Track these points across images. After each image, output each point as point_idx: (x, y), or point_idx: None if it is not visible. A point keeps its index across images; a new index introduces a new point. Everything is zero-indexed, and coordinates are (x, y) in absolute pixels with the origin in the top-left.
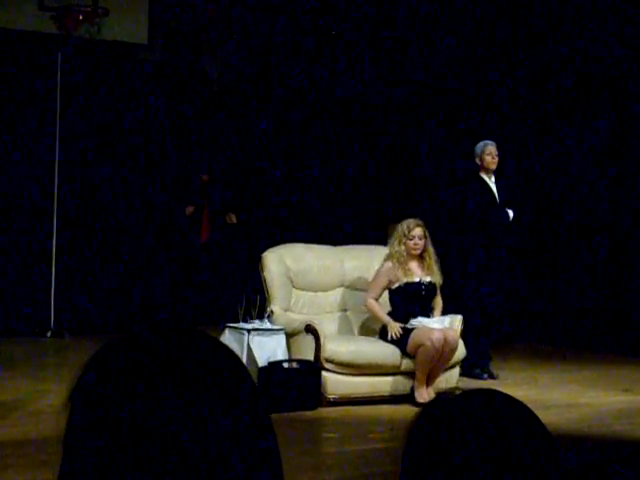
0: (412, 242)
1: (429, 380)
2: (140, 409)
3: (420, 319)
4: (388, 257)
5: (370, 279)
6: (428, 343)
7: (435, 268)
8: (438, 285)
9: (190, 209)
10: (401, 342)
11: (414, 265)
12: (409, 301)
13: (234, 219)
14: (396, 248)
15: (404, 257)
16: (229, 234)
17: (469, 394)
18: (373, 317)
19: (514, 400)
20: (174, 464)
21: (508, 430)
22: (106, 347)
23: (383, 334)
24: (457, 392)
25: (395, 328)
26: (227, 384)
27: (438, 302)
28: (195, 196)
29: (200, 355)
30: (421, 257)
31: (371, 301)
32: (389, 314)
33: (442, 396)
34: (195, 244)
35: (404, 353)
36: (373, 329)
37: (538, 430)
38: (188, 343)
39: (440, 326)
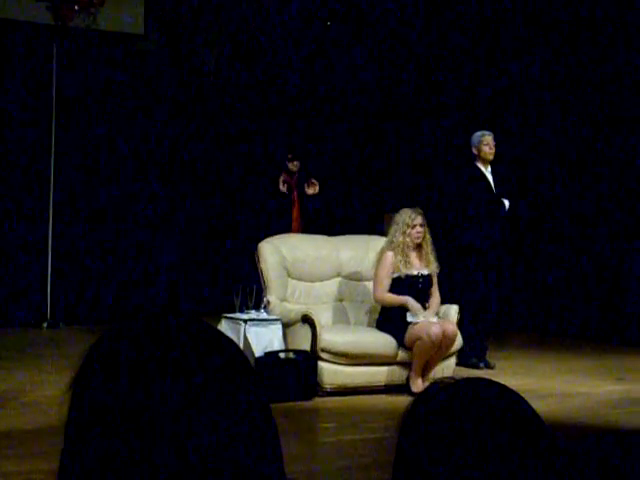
0: (414, 230)
1: (426, 370)
2: (141, 397)
3: (414, 316)
4: (389, 247)
5: (366, 269)
6: (425, 337)
7: (432, 258)
8: (435, 274)
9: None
10: (398, 334)
11: (413, 256)
12: (406, 293)
13: (317, 188)
14: (400, 239)
15: (408, 247)
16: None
17: (462, 382)
18: (389, 305)
19: (507, 389)
20: (175, 452)
21: (501, 419)
22: (106, 335)
23: (381, 325)
24: (453, 378)
25: (416, 305)
26: (227, 372)
27: (435, 295)
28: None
29: (200, 343)
30: (419, 247)
31: (381, 294)
32: (387, 317)
33: (436, 385)
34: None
35: (401, 345)
36: (369, 319)
37: (531, 419)
38: (188, 331)
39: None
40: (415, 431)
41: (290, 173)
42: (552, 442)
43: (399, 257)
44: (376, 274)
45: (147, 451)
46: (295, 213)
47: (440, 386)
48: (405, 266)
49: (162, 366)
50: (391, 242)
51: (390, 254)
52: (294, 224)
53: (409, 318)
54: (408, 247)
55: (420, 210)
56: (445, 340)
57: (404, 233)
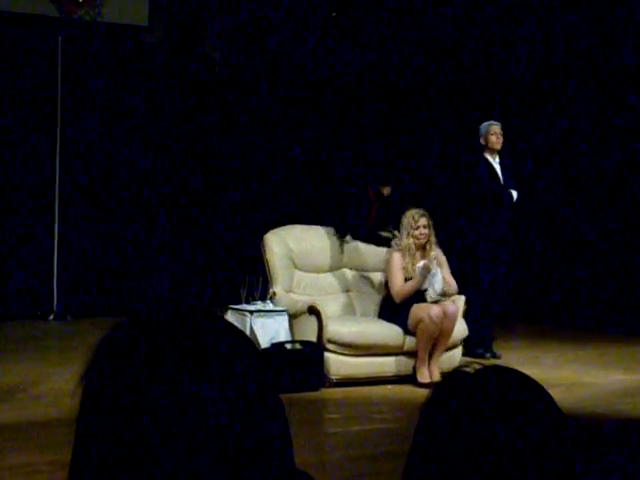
0: (418, 232)
1: (431, 359)
2: (151, 388)
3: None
4: (395, 249)
5: (372, 260)
6: (427, 318)
7: (438, 253)
8: (445, 266)
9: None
10: (401, 321)
11: (417, 257)
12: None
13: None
14: (405, 241)
15: (412, 249)
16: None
17: (482, 371)
18: (410, 294)
19: (530, 379)
20: (186, 442)
21: (525, 409)
22: (116, 327)
23: (383, 314)
24: (473, 368)
25: (422, 265)
26: (236, 360)
27: (449, 282)
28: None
29: (209, 332)
30: (424, 248)
31: (400, 289)
32: (388, 304)
33: (456, 373)
34: None
35: (405, 331)
36: (375, 310)
37: (554, 410)
38: (198, 322)
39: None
40: (435, 420)
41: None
42: (571, 431)
43: (407, 259)
44: (389, 276)
45: (158, 442)
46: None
47: (461, 375)
48: (412, 268)
49: (172, 357)
50: (397, 244)
51: (397, 255)
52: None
53: (429, 299)
54: (412, 248)
55: (424, 211)
56: (446, 320)
57: (409, 235)
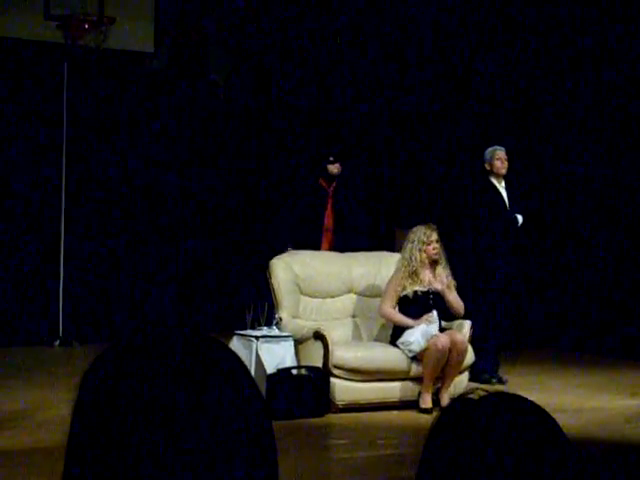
0: (431, 247)
1: (442, 386)
2: (142, 413)
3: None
4: (403, 265)
5: (378, 285)
6: (432, 347)
7: (446, 272)
8: (451, 287)
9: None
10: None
11: (426, 272)
12: (416, 310)
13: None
14: (417, 257)
15: (425, 264)
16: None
17: (487, 397)
18: (394, 323)
19: (532, 403)
20: (174, 467)
21: (530, 436)
22: (103, 355)
23: (394, 340)
24: (478, 394)
25: (425, 318)
26: (232, 389)
27: (457, 304)
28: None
29: (204, 358)
30: (434, 262)
31: (386, 309)
32: (400, 331)
33: (461, 399)
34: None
35: (413, 358)
36: (382, 335)
37: (560, 438)
38: (191, 346)
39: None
40: (440, 447)
41: (329, 177)
42: (578, 458)
43: (407, 275)
44: (385, 289)
45: (147, 467)
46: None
47: (465, 402)
48: (414, 282)
49: (161, 381)
50: (406, 259)
51: (400, 276)
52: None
53: (408, 351)
54: (424, 264)
55: (434, 226)
56: (454, 350)
57: (420, 250)
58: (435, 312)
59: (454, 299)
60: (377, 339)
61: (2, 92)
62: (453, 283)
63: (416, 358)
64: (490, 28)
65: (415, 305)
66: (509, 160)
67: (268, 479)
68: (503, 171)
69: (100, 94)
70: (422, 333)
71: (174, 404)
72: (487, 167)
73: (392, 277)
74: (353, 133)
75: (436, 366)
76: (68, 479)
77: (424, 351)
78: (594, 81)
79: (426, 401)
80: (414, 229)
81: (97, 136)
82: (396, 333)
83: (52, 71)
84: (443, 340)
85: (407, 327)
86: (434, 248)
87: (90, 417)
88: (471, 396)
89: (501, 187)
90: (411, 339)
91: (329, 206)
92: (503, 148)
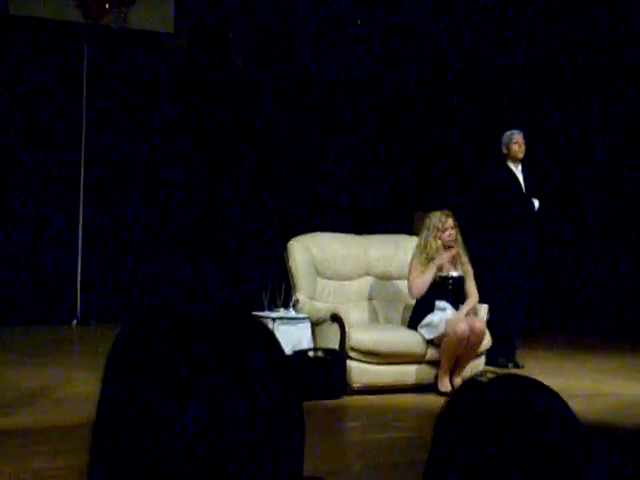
0: (446, 234)
1: (456, 370)
2: (168, 389)
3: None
4: (420, 252)
5: (395, 268)
6: (452, 334)
7: (464, 259)
8: (469, 275)
9: None
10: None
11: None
12: (436, 295)
13: None
14: (433, 245)
15: (440, 250)
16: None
17: (496, 380)
18: (426, 285)
19: (546, 387)
20: (199, 444)
21: (539, 418)
22: (130, 327)
23: (412, 324)
24: (487, 377)
25: (445, 255)
26: (266, 359)
27: (471, 294)
28: None
29: (240, 329)
30: (450, 248)
31: (413, 280)
32: (416, 307)
33: (470, 382)
34: None
35: (430, 342)
36: (399, 318)
37: (569, 419)
38: (228, 317)
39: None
40: (450, 430)
41: None
42: (590, 443)
43: (424, 261)
44: (408, 275)
45: (173, 444)
46: None
47: (475, 384)
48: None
49: (190, 356)
50: (422, 246)
51: (417, 260)
52: None
53: (429, 334)
54: (439, 250)
55: (449, 212)
56: (472, 336)
57: (435, 237)
58: (444, 301)
59: (469, 288)
60: (394, 322)
61: (23, 72)
62: (470, 270)
63: (433, 342)
64: (515, 9)
65: (435, 290)
66: (527, 144)
67: (296, 450)
68: (520, 155)
69: (121, 75)
70: (443, 318)
71: (209, 371)
72: (504, 151)
73: (411, 261)
74: (375, 115)
75: (454, 352)
76: (97, 449)
77: (443, 337)
78: (617, 63)
79: (445, 384)
80: (430, 214)
81: (118, 117)
82: (418, 315)
83: (72, 51)
84: (462, 326)
85: (429, 310)
86: (449, 235)
87: (122, 382)
88: (481, 378)
89: (518, 171)
90: (436, 319)
91: None
92: (521, 132)
